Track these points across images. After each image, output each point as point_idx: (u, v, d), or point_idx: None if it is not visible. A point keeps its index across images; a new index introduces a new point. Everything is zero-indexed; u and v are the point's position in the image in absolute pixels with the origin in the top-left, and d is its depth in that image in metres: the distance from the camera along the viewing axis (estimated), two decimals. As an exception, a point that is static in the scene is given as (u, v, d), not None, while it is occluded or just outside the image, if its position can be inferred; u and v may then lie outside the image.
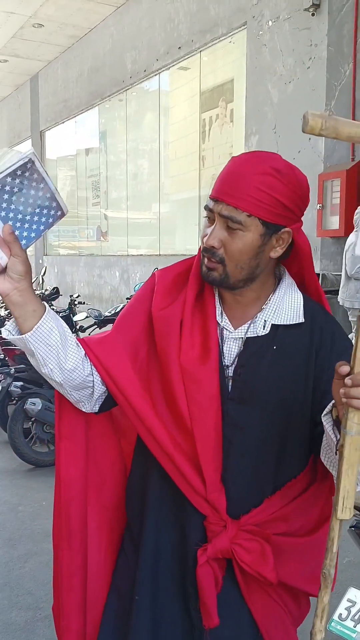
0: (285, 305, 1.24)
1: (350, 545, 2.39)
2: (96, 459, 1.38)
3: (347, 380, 0.93)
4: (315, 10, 6.21)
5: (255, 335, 1.22)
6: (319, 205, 6.29)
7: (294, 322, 1.23)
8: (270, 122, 7.09)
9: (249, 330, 1.23)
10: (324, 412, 1.06)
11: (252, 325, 1.23)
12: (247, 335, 1.22)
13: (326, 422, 1.05)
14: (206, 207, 1.20)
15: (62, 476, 1.35)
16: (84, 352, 1.25)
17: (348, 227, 6.13)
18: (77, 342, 1.25)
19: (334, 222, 6.23)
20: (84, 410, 1.31)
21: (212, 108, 8.70)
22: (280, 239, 1.20)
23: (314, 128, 0.86)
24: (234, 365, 1.22)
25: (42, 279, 10.23)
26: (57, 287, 8.40)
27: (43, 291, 8.50)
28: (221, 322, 1.24)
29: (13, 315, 1.18)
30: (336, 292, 6.12)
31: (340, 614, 1.54)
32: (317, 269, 6.40)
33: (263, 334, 1.22)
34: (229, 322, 1.24)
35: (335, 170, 6.20)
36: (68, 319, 6.41)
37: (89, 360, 1.25)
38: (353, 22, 6.26)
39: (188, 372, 1.20)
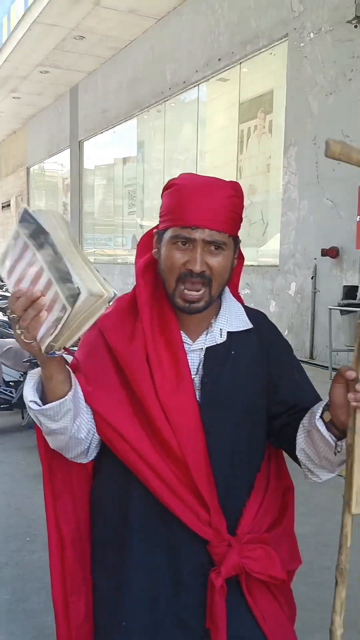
0: (233, 314, 1.33)
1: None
2: (79, 503, 1.39)
3: (359, 386, 1.06)
4: (359, 22, 6.19)
5: (214, 344, 1.29)
6: (358, 217, 6.24)
7: (245, 328, 1.32)
8: (310, 133, 7.07)
9: (207, 340, 1.29)
10: (317, 416, 1.17)
11: (209, 335, 1.30)
12: (206, 345, 1.29)
13: (320, 425, 1.16)
14: (180, 236, 1.21)
15: (60, 535, 1.36)
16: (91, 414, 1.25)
17: (388, 239, 6.07)
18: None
19: (374, 234, 6.17)
20: (82, 462, 1.32)
21: (250, 119, 8.72)
22: (236, 250, 1.30)
23: (334, 152, 1.03)
24: (199, 375, 1.27)
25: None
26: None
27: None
28: (182, 340, 1.29)
29: (46, 383, 1.16)
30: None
31: None
32: (355, 282, 6.35)
33: (221, 341, 1.29)
34: (186, 336, 1.29)
35: (375, 183, 6.15)
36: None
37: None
38: None
39: (167, 406, 1.22)
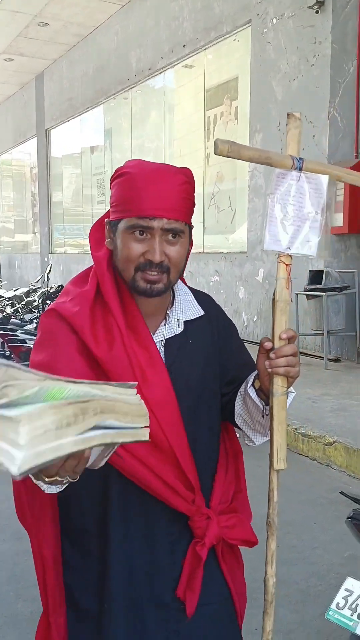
0: (187, 302, 1.36)
1: (351, 539, 2.42)
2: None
3: (272, 354, 1.17)
4: (320, 7, 6.23)
5: (173, 334, 1.31)
6: (322, 202, 6.31)
7: (198, 316, 1.36)
8: (275, 119, 7.10)
9: (167, 331, 1.31)
10: (248, 384, 1.27)
11: (167, 326, 1.31)
12: (165, 337, 1.31)
13: (251, 392, 1.26)
14: (138, 225, 1.21)
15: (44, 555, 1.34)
16: None
17: (352, 224, 6.15)
18: None
19: (338, 219, 6.25)
20: None
21: (216, 105, 8.72)
22: (190, 237, 1.32)
23: (222, 151, 1.09)
24: None
25: (48, 276, 10.29)
26: (62, 285, 8.47)
27: (48, 289, 8.56)
28: (153, 337, 1.29)
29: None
30: (340, 290, 6.14)
31: (338, 603, 1.58)
32: (321, 267, 6.42)
33: (179, 332, 1.32)
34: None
35: (339, 168, 6.22)
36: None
37: None
38: (357, 19, 6.26)
39: (151, 400, 1.20)
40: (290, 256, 1.21)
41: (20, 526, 1.41)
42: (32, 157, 15.64)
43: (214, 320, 1.39)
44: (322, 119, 6.38)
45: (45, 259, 14.57)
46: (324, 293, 6.02)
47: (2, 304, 8.43)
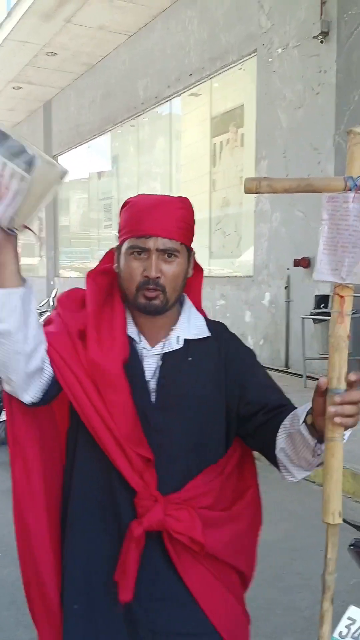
0: (192, 324, 1.42)
1: (356, 566, 2.39)
2: (48, 460, 1.43)
3: (337, 398, 1.07)
4: (324, 37, 6.34)
5: (171, 349, 1.38)
6: (328, 227, 6.34)
7: (203, 337, 1.41)
8: (280, 147, 7.18)
9: (165, 346, 1.38)
10: (301, 420, 1.21)
11: (167, 342, 1.38)
12: (163, 351, 1.38)
13: (303, 429, 1.20)
14: (136, 246, 1.33)
15: (19, 487, 1.39)
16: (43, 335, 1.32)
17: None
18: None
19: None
20: (25, 399, 1.32)
21: (222, 133, 8.83)
22: (190, 262, 1.41)
23: (251, 189, 1.03)
24: (155, 378, 1.36)
25: (53, 300, 10.33)
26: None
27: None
28: (139, 342, 1.38)
29: None
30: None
31: (341, 632, 1.56)
32: (327, 291, 6.44)
33: (177, 347, 1.38)
34: (146, 343, 1.38)
35: (344, 194, 6.26)
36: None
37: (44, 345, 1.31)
38: (361, 49, 6.36)
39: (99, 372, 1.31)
40: (349, 287, 1.07)
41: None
42: (40, 183, 15.80)
43: (223, 343, 1.43)
44: (327, 146, 6.45)
45: (51, 283, 14.64)
46: (330, 317, 6.00)
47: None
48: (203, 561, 1.35)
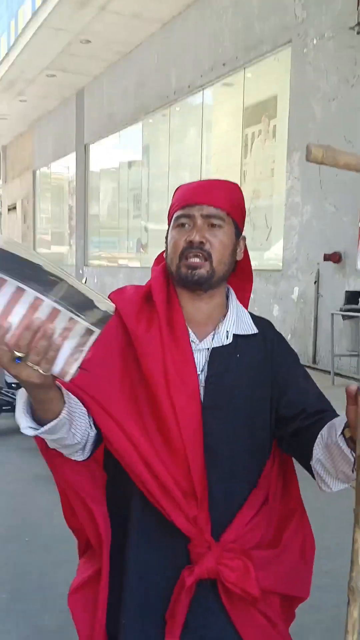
0: (240, 318, 1.36)
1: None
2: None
3: None
4: (360, 28, 6.22)
5: (221, 345, 1.31)
6: (360, 222, 6.26)
7: (250, 333, 1.35)
8: (313, 139, 7.08)
9: (214, 340, 1.31)
10: (338, 432, 1.14)
11: (216, 336, 1.32)
12: (212, 346, 1.31)
13: (341, 441, 1.13)
14: (182, 216, 1.30)
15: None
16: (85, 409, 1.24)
17: (389, 245, 6.08)
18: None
19: (376, 239, 6.19)
20: (78, 459, 1.29)
21: (254, 124, 8.75)
22: (240, 244, 1.37)
23: (316, 157, 0.99)
24: (203, 374, 1.29)
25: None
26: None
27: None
28: (189, 336, 1.31)
29: (41, 404, 1.12)
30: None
31: None
32: (358, 287, 6.37)
33: (227, 343, 1.31)
34: (194, 335, 1.32)
35: (377, 188, 6.17)
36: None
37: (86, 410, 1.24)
38: None
39: (173, 386, 1.24)
40: None
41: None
42: (71, 171, 15.89)
43: (269, 342, 1.37)
44: (361, 139, 6.35)
45: (80, 271, 14.73)
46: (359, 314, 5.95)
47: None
48: (256, 603, 1.29)
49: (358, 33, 6.28)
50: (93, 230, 15.15)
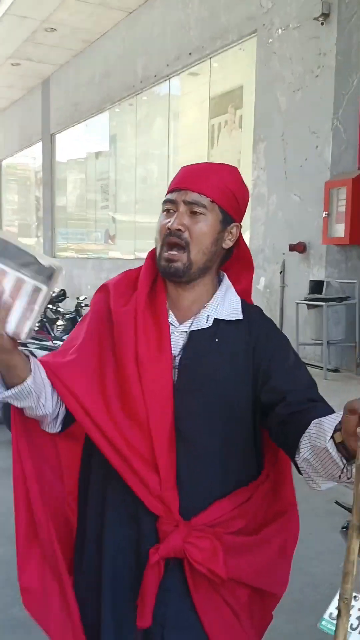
0: (226, 304, 1.34)
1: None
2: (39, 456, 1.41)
3: None
4: (325, 19, 6.26)
5: (199, 328, 1.30)
6: (325, 213, 6.33)
7: (234, 319, 1.33)
8: (278, 129, 7.13)
9: (193, 324, 1.31)
10: (327, 436, 1.09)
11: (195, 319, 1.32)
12: (191, 329, 1.30)
13: (331, 447, 1.08)
14: (167, 201, 1.29)
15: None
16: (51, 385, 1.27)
17: (353, 234, 6.17)
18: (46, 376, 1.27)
19: (340, 230, 6.26)
20: (51, 431, 1.34)
21: (221, 114, 8.76)
22: (230, 232, 1.33)
23: None
24: (179, 357, 1.29)
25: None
26: (64, 290, 8.46)
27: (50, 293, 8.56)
28: (168, 317, 1.32)
29: (7, 370, 1.18)
30: (340, 300, 6.16)
31: (331, 613, 1.58)
32: (322, 277, 6.44)
33: (206, 326, 1.31)
34: (174, 318, 1.32)
35: (341, 179, 6.24)
36: (74, 321, 6.45)
37: (55, 390, 1.28)
38: (362, 31, 6.29)
39: (143, 362, 1.25)
40: None
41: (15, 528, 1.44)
42: (37, 162, 15.70)
43: (254, 327, 1.34)
44: (325, 130, 6.41)
45: (48, 263, 14.57)
46: (324, 303, 6.03)
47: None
48: (221, 589, 1.28)
49: (322, 24, 6.32)
50: (60, 222, 15.01)
